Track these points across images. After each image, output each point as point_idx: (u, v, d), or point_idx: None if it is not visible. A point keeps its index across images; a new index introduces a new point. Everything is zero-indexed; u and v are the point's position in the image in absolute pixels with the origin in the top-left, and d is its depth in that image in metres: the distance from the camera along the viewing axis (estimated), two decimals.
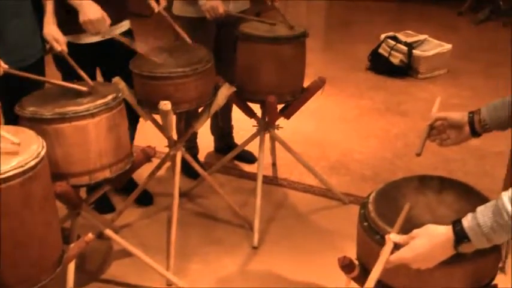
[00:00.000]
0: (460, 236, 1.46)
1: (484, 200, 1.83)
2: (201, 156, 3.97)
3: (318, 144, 4.26)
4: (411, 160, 4.08)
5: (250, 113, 3.37)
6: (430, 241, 1.52)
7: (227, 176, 3.83)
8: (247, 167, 3.94)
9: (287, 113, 3.31)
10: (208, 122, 3.85)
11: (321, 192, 3.66)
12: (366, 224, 1.76)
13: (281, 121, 3.39)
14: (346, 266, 1.79)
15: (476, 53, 6.17)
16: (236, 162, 3.97)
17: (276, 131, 3.39)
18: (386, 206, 1.79)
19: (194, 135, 3.72)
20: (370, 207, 1.79)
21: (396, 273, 1.66)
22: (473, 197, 1.83)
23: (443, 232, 1.50)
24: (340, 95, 5.07)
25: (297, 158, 3.50)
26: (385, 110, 4.86)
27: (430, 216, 1.73)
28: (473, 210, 1.73)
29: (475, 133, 1.89)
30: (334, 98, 4.89)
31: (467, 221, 1.46)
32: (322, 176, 3.61)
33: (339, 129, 4.54)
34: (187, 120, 3.10)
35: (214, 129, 4.00)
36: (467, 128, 1.88)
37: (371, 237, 1.72)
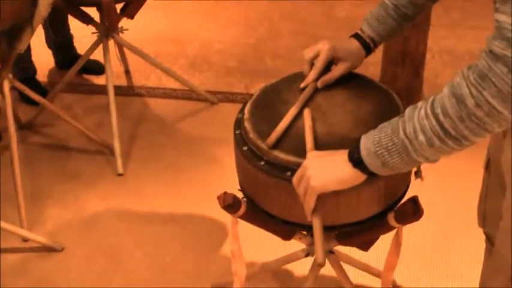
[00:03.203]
0: (353, 152, 1.15)
1: (382, 91, 1.49)
2: (42, 76, 3.39)
3: (174, 40, 3.78)
4: (277, 43, 3.73)
5: (86, 19, 2.83)
6: (328, 152, 1.24)
7: (75, 95, 3.29)
8: (97, 80, 3.42)
9: (129, 11, 2.81)
10: (43, 35, 3.31)
11: (185, 95, 3.24)
12: (245, 148, 1.38)
13: (126, 22, 2.89)
14: (230, 205, 1.41)
15: None
16: (84, 75, 3.44)
17: (120, 34, 2.89)
18: (268, 120, 1.41)
19: (28, 53, 3.14)
20: (247, 125, 1.41)
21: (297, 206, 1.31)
22: (368, 90, 1.50)
23: (343, 152, 1.19)
24: None
25: (150, 61, 3.06)
26: None
27: (324, 126, 1.37)
28: (372, 108, 1.41)
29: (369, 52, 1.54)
30: None
31: (365, 136, 1.14)
32: (182, 76, 3.19)
33: (194, 20, 4.04)
34: (9, 42, 2.51)
35: (50, 42, 3.41)
36: (362, 53, 1.51)
37: (254, 164, 1.34)
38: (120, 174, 2.70)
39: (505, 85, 0.92)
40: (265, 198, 1.40)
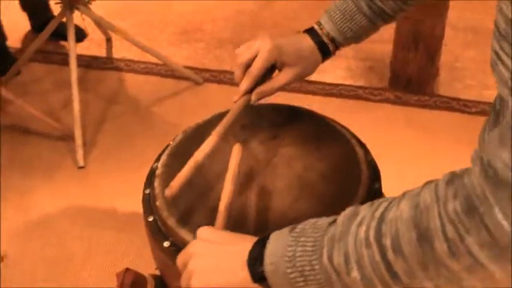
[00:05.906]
0: (254, 258, 0.75)
1: (341, 141, 1.13)
2: (15, 41, 3.07)
3: (164, 3, 3.39)
4: (278, 10, 3.32)
5: None
6: (227, 236, 0.84)
7: (47, 65, 2.96)
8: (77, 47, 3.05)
9: None
10: None
11: (167, 72, 2.88)
12: (151, 219, 1.04)
13: None
14: None
15: None
16: (62, 42, 3.08)
17: (89, 5, 2.54)
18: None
19: None
20: (157, 184, 1.07)
21: None
22: (324, 139, 1.14)
23: (244, 246, 0.78)
24: None
25: (122, 35, 2.71)
26: None
27: (256, 187, 1.03)
28: (324, 167, 1.07)
29: (327, 57, 1.12)
30: None
31: (275, 237, 0.75)
32: (160, 54, 2.79)
33: None
34: None
35: (24, 4, 3.07)
36: (317, 57, 1.11)
37: (158, 244, 1.01)
38: (81, 167, 2.38)
39: (503, 234, 0.54)
40: (175, 282, 1.07)
